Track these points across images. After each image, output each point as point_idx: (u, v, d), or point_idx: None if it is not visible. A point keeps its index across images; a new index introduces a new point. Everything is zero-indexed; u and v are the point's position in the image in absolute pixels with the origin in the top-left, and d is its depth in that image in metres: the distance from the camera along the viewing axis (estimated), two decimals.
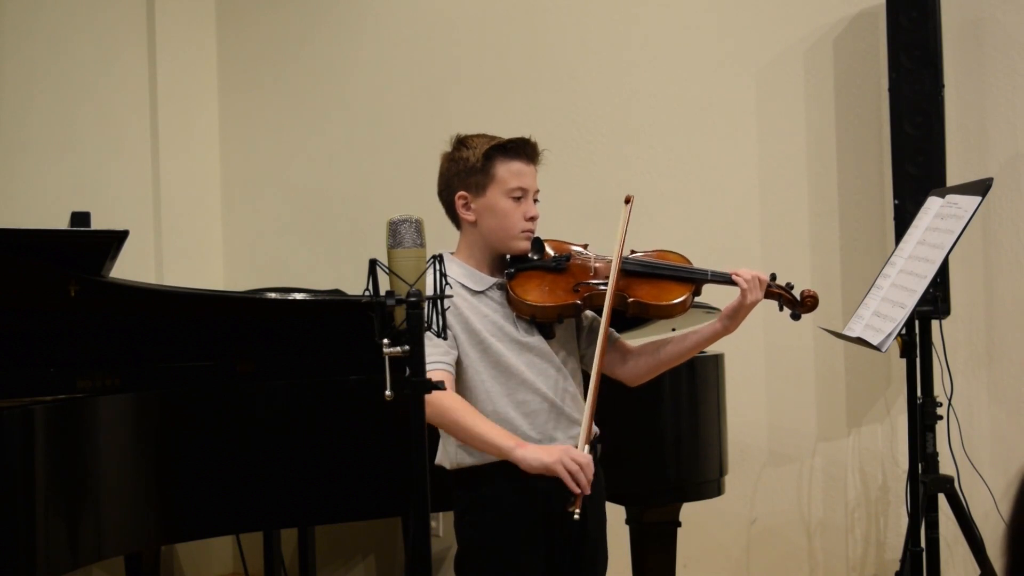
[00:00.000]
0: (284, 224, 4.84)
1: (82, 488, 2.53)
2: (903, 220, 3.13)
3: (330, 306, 3.18)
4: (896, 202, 3.22)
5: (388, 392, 1.92)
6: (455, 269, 2.40)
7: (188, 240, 4.88)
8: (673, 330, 2.86)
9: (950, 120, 3.26)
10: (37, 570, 2.40)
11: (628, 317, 2.51)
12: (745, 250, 3.71)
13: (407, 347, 1.92)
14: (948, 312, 3.19)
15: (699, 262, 2.50)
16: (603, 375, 2.40)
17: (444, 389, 2.02)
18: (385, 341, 1.93)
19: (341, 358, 2.97)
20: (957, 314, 3.30)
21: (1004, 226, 3.31)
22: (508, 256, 2.44)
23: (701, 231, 3.79)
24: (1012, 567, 1.15)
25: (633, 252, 2.50)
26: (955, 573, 3.33)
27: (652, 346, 2.54)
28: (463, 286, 2.40)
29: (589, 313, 2.53)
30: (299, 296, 3.20)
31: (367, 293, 1.92)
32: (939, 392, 3.11)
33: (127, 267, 2.80)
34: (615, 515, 2.81)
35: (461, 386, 2.38)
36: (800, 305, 2.46)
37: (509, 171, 2.39)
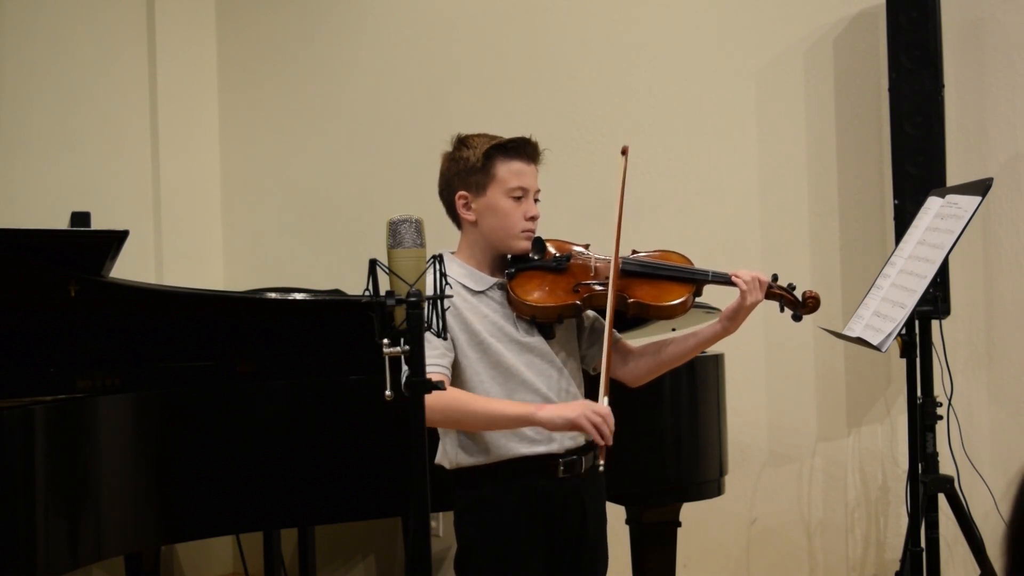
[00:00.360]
0: (284, 224, 4.84)
1: (82, 488, 2.53)
2: (903, 220, 3.13)
3: (330, 306, 3.18)
4: (896, 202, 3.22)
5: (388, 392, 1.92)
6: (455, 269, 2.40)
7: (188, 240, 4.88)
8: (673, 330, 2.86)
9: (950, 120, 3.26)
10: (37, 570, 2.40)
11: (629, 317, 2.50)
12: (745, 250, 3.71)
13: (407, 347, 1.92)
14: (948, 312, 3.19)
15: (699, 262, 2.50)
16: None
17: (444, 389, 2.01)
18: (385, 341, 1.93)
19: (341, 358, 2.97)
20: (957, 314, 3.30)
21: (1004, 226, 3.31)
22: (508, 256, 2.44)
23: (701, 231, 3.79)
24: (1012, 567, 1.15)
25: (634, 252, 2.49)
26: (955, 573, 3.33)
27: (653, 347, 2.54)
28: (463, 286, 2.39)
29: (591, 313, 2.52)
30: (299, 296, 3.20)
31: (367, 293, 1.92)
32: (939, 392, 3.11)
33: (127, 267, 2.80)
34: (615, 515, 2.81)
35: (459, 387, 2.37)
36: (802, 306, 2.45)
37: (509, 171, 2.39)
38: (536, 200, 2.44)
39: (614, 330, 2.46)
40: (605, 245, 2.49)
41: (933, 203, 2.88)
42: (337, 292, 3.88)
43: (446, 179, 2.45)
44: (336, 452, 2.81)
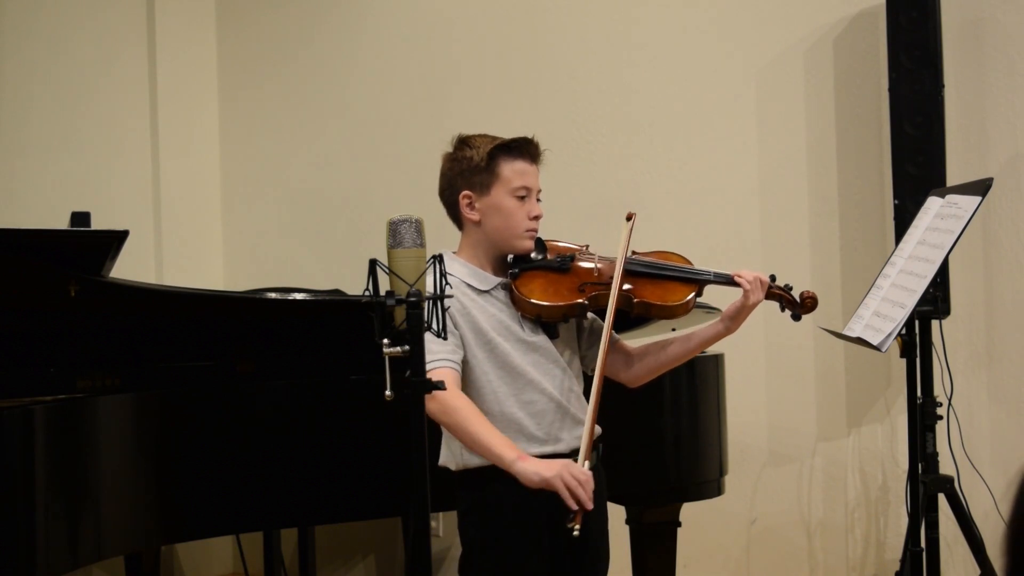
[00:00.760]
0: (284, 224, 4.84)
1: (82, 488, 2.53)
2: (903, 220, 3.13)
3: (330, 306, 3.18)
4: (896, 202, 3.22)
5: (388, 392, 1.92)
6: (459, 268, 2.40)
7: (188, 240, 4.88)
8: (673, 330, 2.86)
9: (950, 120, 3.26)
10: (37, 570, 2.40)
11: (632, 317, 2.51)
12: (745, 250, 3.71)
13: (407, 347, 1.92)
14: (948, 312, 3.19)
15: (699, 262, 2.50)
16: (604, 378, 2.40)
17: (444, 389, 2.01)
18: (385, 341, 1.93)
19: (341, 358, 2.97)
20: (957, 314, 3.30)
21: (1004, 226, 3.31)
22: (510, 256, 2.44)
23: (701, 231, 3.79)
24: (1012, 567, 1.15)
25: (634, 253, 2.50)
26: (955, 573, 3.33)
27: (654, 347, 2.55)
28: (468, 285, 2.40)
29: (589, 314, 2.53)
30: (299, 296, 3.20)
31: (367, 293, 1.92)
32: (939, 392, 3.11)
33: (127, 267, 2.80)
34: (615, 515, 2.81)
35: (468, 386, 2.38)
36: (800, 306, 2.47)
37: (513, 170, 2.40)
38: (538, 200, 2.45)
39: (612, 331, 2.46)
40: (604, 246, 2.49)
41: (933, 203, 2.88)
42: (337, 292, 3.88)
43: (448, 179, 2.45)
44: (336, 452, 2.81)
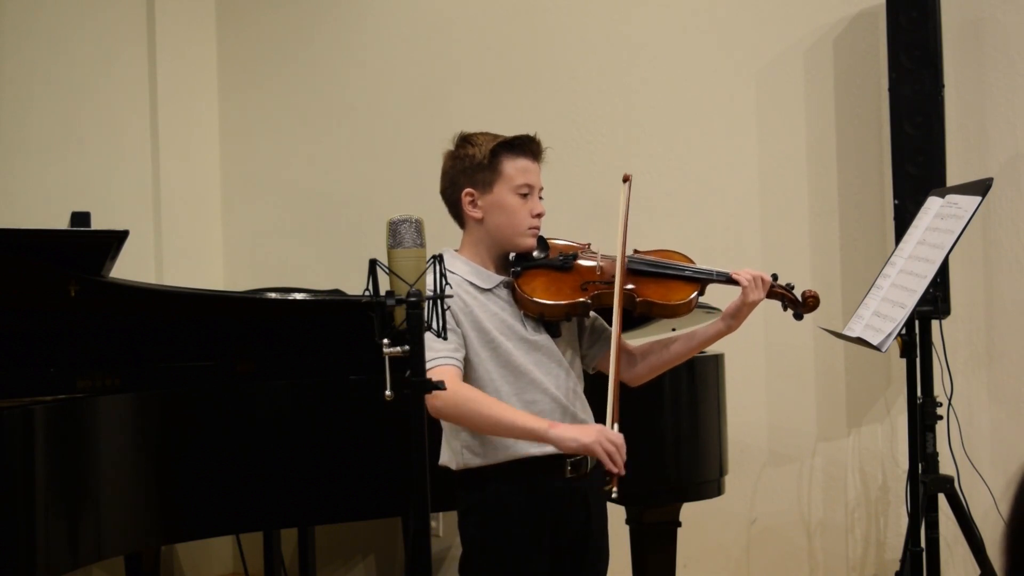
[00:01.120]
0: (284, 224, 4.84)
1: (82, 488, 2.53)
2: (903, 220, 3.13)
3: (330, 306, 3.18)
4: (896, 202, 3.22)
5: (388, 392, 1.92)
6: (461, 267, 2.40)
7: (188, 240, 4.88)
8: (673, 330, 2.86)
9: (950, 120, 3.26)
10: (37, 570, 2.40)
11: (635, 316, 2.50)
12: (745, 250, 3.71)
13: (407, 347, 1.92)
14: (948, 312, 3.19)
15: (699, 262, 2.50)
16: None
17: (444, 389, 2.01)
18: (385, 341, 1.93)
19: (341, 358, 2.96)
20: (957, 314, 3.30)
21: (1004, 226, 3.31)
22: (512, 254, 2.44)
23: (701, 231, 3.79)
24: (1011, 567, 1.15)
25: (636, 251, 2.50)
26: (955, 573, 3.33)
27: (656, 346, 2.54)
28: (471, 284, 2.39)
29: (592, 312, 2.52)
30: (299, 296, 3.20)
31: (367, 293, 1.92)
32: (939, 392, 3.11)
33: (127, 267, 2.80)
34: (615, 515, 2.81)
35: (470, 385, 2.37)
36: (802, 305, 2.47)
37: (516, 168, 2.39)
38: (540, 198, 2.44)
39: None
40: (604, 245, 2.49)
41: (933, 203, 2.88)
42: (337, 292, 3.88)
43: (450, 177, 2.45)
44: (336, 452, 2.81)
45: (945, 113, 3.21)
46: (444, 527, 4.21)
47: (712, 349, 2.93)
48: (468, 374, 2.36)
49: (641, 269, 2.44)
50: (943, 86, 3.20)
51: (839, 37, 3.57)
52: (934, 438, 3.05)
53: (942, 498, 3.02)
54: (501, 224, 2.40)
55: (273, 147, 4.87)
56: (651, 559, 3.18)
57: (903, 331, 2.93)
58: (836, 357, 3.59)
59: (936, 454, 3.05)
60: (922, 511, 2.98)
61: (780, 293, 2.47)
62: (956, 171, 3.24)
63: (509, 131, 2.47)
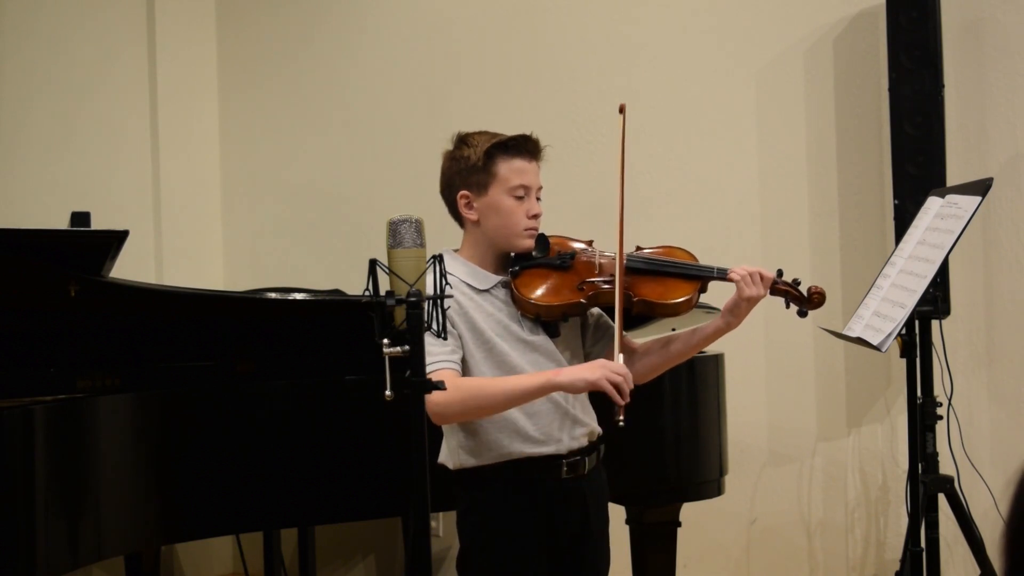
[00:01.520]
0: (284, 224, 4.84)
1: (82, 488, 2.53)
2: (903, 220, 3.13)
3: (330, 306, 3.18)
4: (896, 202, 3.22)
5: (388, 392, 1.92)
6: (459, 268, 2.39)
7: (188, 240, 4.88)
8: (673, 329, 2.85)
9: (950, 120, 3.26)
10: (37, 570, 2.40)
11: (633, 315, 2.49)
12: (745, 250, 3.71)
13: (407, 347, 1.92)
14: (948, 312, 3.19)
15: (701, 261, 2.49)
16: None
17: (444, 389, 2.01)
18: (385, 341, 1.93)
19: (341, 358, 2.96)
20: (957, 314, 3.30)
21: (1004, 226, 3.31)
22: (512, 254, 2.43)
23: (701, 230, 3.78)
24: (1011, 567, 1.15)
25: (639, 248, 2.48)
26: (955, 573, 3.33)
27: (657, 344, 2.52)
28: (468, 285, 2.38)
29: (595, 310, 2.50)
30: (299, 296, 3.20)
31: (367, 293, 1.92)
32: (939, 392, 3.11)
33: (127, 267, 2.80)
34: (615, 515, 2.81)
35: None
36: (807, 302, 2.43)
37: (511, 169, 2.37)
38: (538, 198, 2.43)
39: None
40: (607, 243, 2.49)
41: (933, 203, 2.88)
42: (337, 292, 3.88)
43: (447, 178, 2.44)
44: (336, 452, 2.81)
45: (945, 113, 3.21)
46: (444, 527, 4.21)
47: (712, 349, 2.92)
48: (464, 374, 2.35)
49: (639, 267, 2.42)
50: (943, 86, 3.20)
51: (839, 37, 3.57)
52: (934, 438, 3.05)
53: (942, 498, 3.01)
54: (497, 226, 2.39)
55: (273, 147, 4.87)
56: (651, 559, 3.18)
57: (903, 331, 2.93)
58: (836, 357, 3.59)
59: (936, 454, 3.05)
60: (922, 511, 2.98)
61: (784, 290, 2.42)
62: (956, 171, 3.24)
63: (509, 131, 2.46)
